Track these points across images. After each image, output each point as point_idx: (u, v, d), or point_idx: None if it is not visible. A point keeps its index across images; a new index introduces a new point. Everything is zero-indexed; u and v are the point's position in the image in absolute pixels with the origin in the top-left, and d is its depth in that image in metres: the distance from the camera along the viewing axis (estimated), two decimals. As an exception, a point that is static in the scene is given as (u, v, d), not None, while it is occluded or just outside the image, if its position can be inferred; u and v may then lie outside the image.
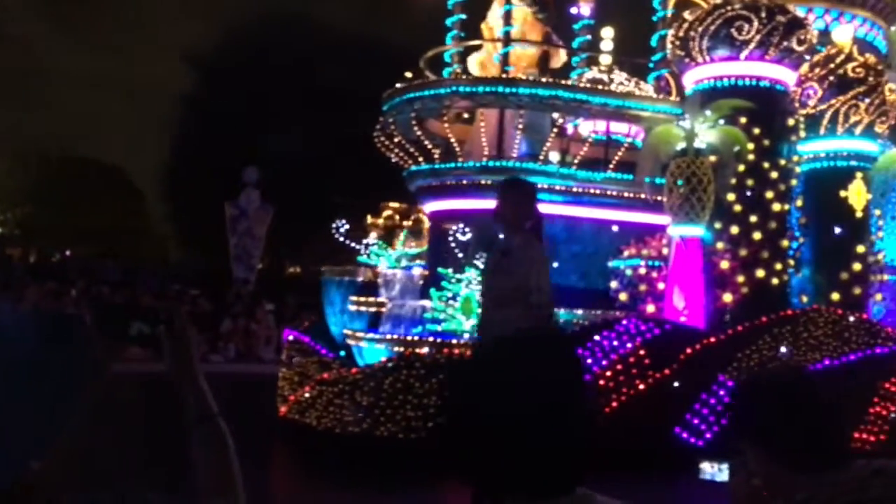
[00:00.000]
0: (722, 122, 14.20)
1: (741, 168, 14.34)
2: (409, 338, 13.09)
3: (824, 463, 2.70)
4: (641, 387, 12.93)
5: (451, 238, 15.03)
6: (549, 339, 2.17)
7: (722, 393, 13.40)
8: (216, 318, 26.23)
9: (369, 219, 19.67)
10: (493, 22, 16.50)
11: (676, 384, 13.07)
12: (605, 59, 20.96)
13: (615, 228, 16.10)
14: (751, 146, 14.41)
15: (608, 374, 12.82)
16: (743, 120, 14.45)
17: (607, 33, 21.20)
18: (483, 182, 15.43)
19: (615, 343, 13.07)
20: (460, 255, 15.11)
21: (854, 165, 15.65)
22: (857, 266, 15.30)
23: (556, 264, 15.49)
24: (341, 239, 16.74)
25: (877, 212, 16.06)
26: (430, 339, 12.99)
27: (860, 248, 15.42)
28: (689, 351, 13.24)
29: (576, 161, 16.19)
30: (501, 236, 7.96)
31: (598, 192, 15.94)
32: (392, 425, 11.94)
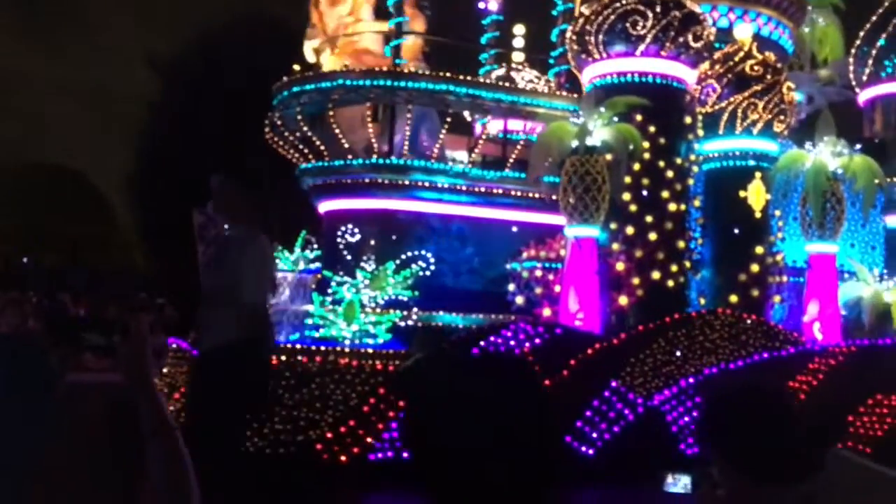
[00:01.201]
0: (616, 119, 13.77)
1: (636, 167, 13.95)
2: (282, 345, 12.28)
3: (790, 476, 2.74)
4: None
5: (339, 239, 14.31)
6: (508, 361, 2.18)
7: (615, 399, 12.95)
8: (184, 327, 25.07)
9: None
10: (325, 7, 15.44)
11: (566, 391, 12.55)
12: (518, 57, 20.49)
13: (514, 229, 15.59)
14: (646, 144, 14.03)
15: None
16: (639, 117, 14.06)
17: (519, 30, 20.71)
18: (374, 180, 14.76)
19: (502, 349, 12.50)
20: (349, 256, 14.41)
21: (753, 165, 15.40)
22: (755, 267, 15.05)
23: (453, 267, 14.90)
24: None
25: (777, 212, 15.84)
26: (305, 346, 12.22)
27: (759, 250, 15.18)
28: (580, 356, 12.76)
29: (470, 160, 15.64)
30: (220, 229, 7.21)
31: (496, 191, 15.41)
32: (259, 440, 11.12)
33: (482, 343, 12.34)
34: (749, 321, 14.13)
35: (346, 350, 12.08)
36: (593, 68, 14.71)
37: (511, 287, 15.03)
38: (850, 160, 15.38)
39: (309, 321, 13.14)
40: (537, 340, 12.69)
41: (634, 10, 13.93)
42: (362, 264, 13.77)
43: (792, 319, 16.00)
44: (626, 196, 13.88)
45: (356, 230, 14.12)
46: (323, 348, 11.86)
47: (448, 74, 14.62)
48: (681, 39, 14.03)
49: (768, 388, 3.22)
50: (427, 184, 14.83)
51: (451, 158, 16.29)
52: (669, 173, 14.18)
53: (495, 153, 16.33)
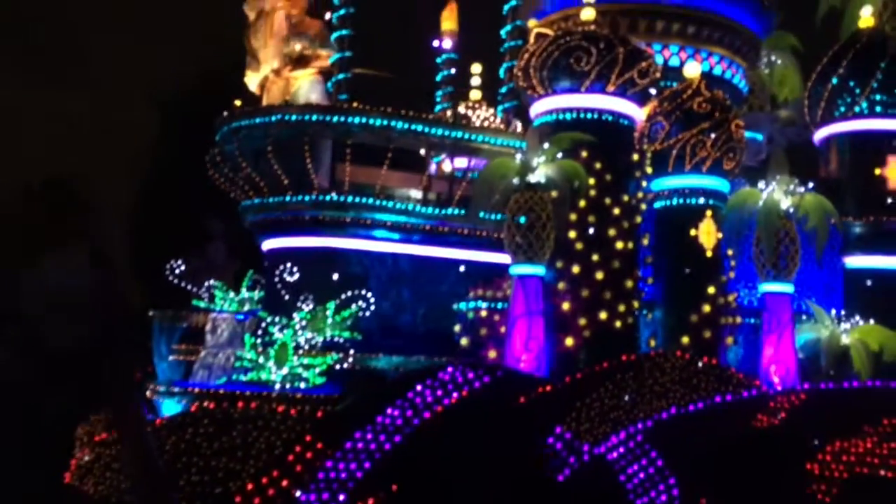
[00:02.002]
0: (560, 155, 13.44)
1: (582, 204, 13.59)
2: (205, 390, 11.66)
3: None
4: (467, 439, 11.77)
5: (276, 279, 13.78)
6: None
7: (559, 446, 12.37)
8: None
9: None
10: (262, 39, 14.93)
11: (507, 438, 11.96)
12: (476, 95, 20.34)
13: (462, 268, 15.15)
14: (592, 181, 13.70)
15: (433, 425, 11.62)
16: (584, 154, 13.76)
17: (476, 69, 20.56)
18: (314, 217, 14.31)
19: (439, 393, 11.91)
20: (287, 296, 13.85)
21: (703, 203, 15.10)
22: (706, 308, 14.64)
23: (397, 308, 14.40)
24: (176, 281, 15.30)
25: (729, 251, 15.49)
26: (230, 391, 11.60)
27: (711, 289, 14.79)
28: (522, 400, 12.20)
29: (424, 197, 15.27)
30: None
31: (442, 229, 15.00)
32: (174, 492, 10.42)
33: (419, 386, 11.76)
34: (701, 364, 13.66)
35: (272, 394, 11.48)
36: (540, 104, 14.47)
37: (458, 328, 14.52)
38: (801, 199, 15.10)
39: (239, 364, 12.54)
40: (477, 384, 12.13)
41: (578, 47, 13.73)
42: (301, 304, 13.24)
43: (748, 361, 15.56)
44: (572, 234, 13.51)
45: (295, 269, 13.59)
46: (246, 392, 11.25)
47: (389, 109, 14.30)
48: (626, 76, 13.83)
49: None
50: (370, 221, 14.38)
51: (405, 196, 15.95)
52: (616, 210, 13.85)
53: (441, 190, 15.97)
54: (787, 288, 15.33)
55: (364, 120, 13.97)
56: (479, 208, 13.27)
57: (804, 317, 16.37)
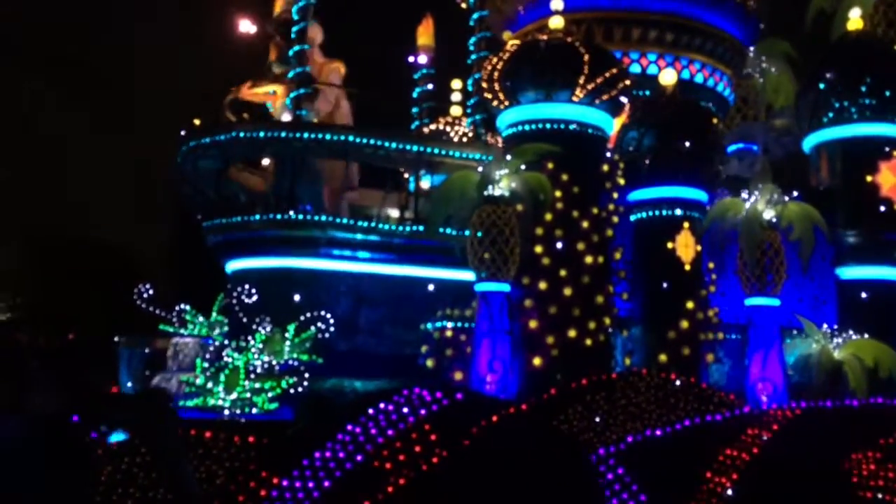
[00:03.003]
0: (524, 167, 12.92)
1: (548, 217, 13.03)
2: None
3: None
4: (424, 467, 11.18)
5: (234, 301, 13.34)
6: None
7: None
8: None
9: None
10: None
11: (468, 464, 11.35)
12: (456, 111, 19.95)
13: (431, 287, 14.64)
14: (559, 194, 13.15)
15: (385, 452, 11.04)
16: (550, 165, 13.22)
17: (456, 85, 20.17)
18: (274, 237, 13.90)
19: (394, 416, 11.33)
20: (245, 319, 13.40)
21: (680, 215, 14.45)
22: (685, 324, 13.96)
23: (361, 329, 13.91)
24: (143, 305, 14.91)
25: (710, 264, 14.81)
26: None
27: (689, 305, 14.11)
28: (483, 424, 11.59)
29: (406, 216, 14.86)
30: None
31: (409, 247, 14.51)
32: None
33: (371, 411, 11.20)
34: (678, 382, 12.97)
35: (214, 421, 10.98)
36: (505, 116, 13.99)
37: (424, 349, 13.96)
38: (784, 208, 14.43)
39: (187, 389, 12.08)
40: (435, 407, 11.54)
41: (542, 57, 13.27)
42: (259, 327, 12.78)
43: (735, 379, 14.82)
44: (539, 249, 12.95)
45: (255, 290, 13.15)
46: (186, 419, 10.75)
47: (346, 125, 13.91)
48: (593, 83, 13.32)
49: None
50: (332, 240, 13.94)
51: (375, 215, 15.54)
52: (585, 224, 13.27)
53: (411, 207, 15.50)
54: (774, 302, 14.60)
55: (322, 135, 13.57)
56: (437, 223, 12.77)
57: (795, 331, 15.62)
